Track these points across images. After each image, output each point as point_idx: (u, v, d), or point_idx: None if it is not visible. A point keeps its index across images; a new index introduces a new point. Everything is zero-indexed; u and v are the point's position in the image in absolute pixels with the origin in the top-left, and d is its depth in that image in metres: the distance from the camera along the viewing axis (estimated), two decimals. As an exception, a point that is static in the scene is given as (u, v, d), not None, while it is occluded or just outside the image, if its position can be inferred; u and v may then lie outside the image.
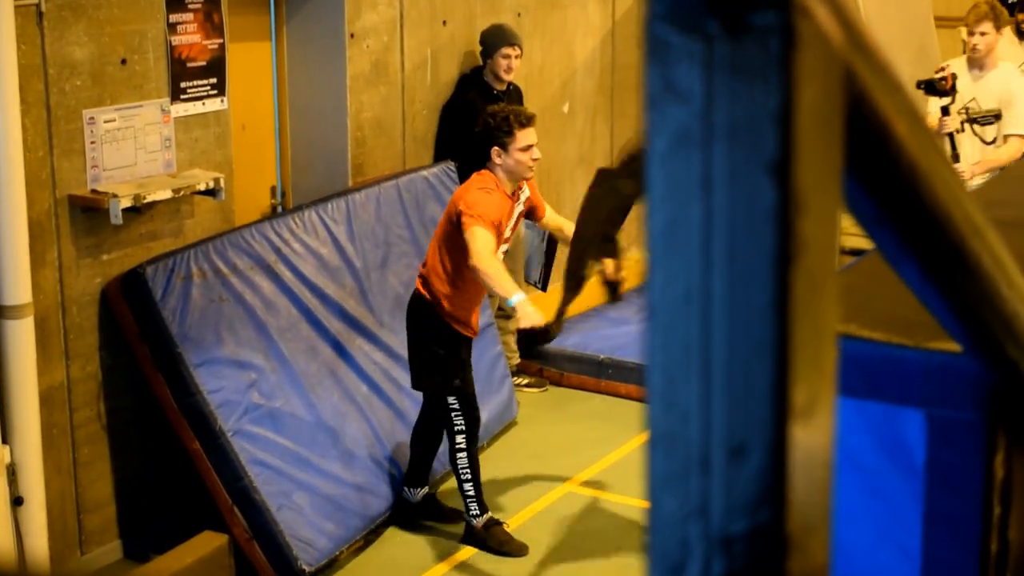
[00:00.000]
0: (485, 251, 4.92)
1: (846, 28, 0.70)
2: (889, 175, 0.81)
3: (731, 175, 0.64)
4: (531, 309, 4.82)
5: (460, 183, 6.49)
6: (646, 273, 0.66)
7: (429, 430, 5.49)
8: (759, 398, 0.62)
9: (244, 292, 5.27)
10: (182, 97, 5.39)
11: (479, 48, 6.79)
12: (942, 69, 6.82)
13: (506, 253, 5.39)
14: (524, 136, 5.15)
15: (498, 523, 5.39)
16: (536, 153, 5.22)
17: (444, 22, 6.77)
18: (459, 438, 5.25)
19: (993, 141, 6.87)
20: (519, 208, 5.29)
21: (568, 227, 5.43)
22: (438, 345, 5.22)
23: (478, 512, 5.33)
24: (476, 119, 6.62)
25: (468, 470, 5.28)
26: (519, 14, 7.26)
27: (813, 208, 0.64)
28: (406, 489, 5.52)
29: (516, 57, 6.67)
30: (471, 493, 5.30)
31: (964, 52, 7.25)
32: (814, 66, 0.65)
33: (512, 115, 5.17)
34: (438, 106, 6.76)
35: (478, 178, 5.17)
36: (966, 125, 6.79)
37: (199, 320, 5.04)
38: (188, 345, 4.97)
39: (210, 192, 5.35)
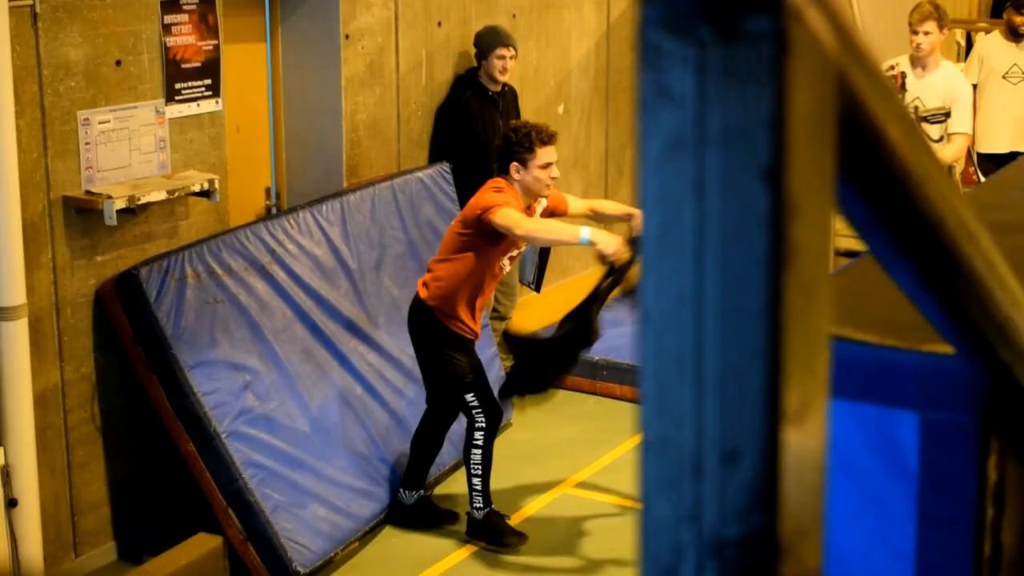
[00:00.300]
0: (521, 219, 4.91)
1: (839, 33, 0.70)
2: (882, 180, 0.81)
3: (724, 180, 0.64)
4: (604, 235, 4.81)
5: (455, 184, 6.50)
6: (639, 278, 0.66)
7: (430, 434, 5.49)
8: (751, 403, 0.62)
9: (239, 293, 5.27)
10: (177, 98, 5.38)
11: (473, 50, 6.79)
12: (892, 68, 6.85)
13: (512, 259, 5.39)
14: (545, 154, 5.12)
15: (499, 516, 5.41)
16: (555, 171, 5.19)
17: (439, 23, 6.78)
18: (478, 434, 5.27)
19: (939, 139, 6.91)
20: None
21: (598, 204, 5.48)
22: (443, 345, 5.24)
23: (481, 505, 5.35)
24: (471, 120, 6.63)
25: (480, 466, 5.31)
26: (514, 15, 7.26)
27: (806, 213, 0.64)
28: (402, 491, 5.53)
29: (511, 58, 6.68)
30: (478, 487, 5.33)
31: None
32: (807, 72, 0.65)
33: (534, 132, 5.13)
34: (433, 107, 6.76)
35: (493, 183, 5.17)
36: None
37: (193, 321, 5.04)
38: (182, 347, 4.97)
39: (204, 193, 5.34)
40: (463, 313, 5.21)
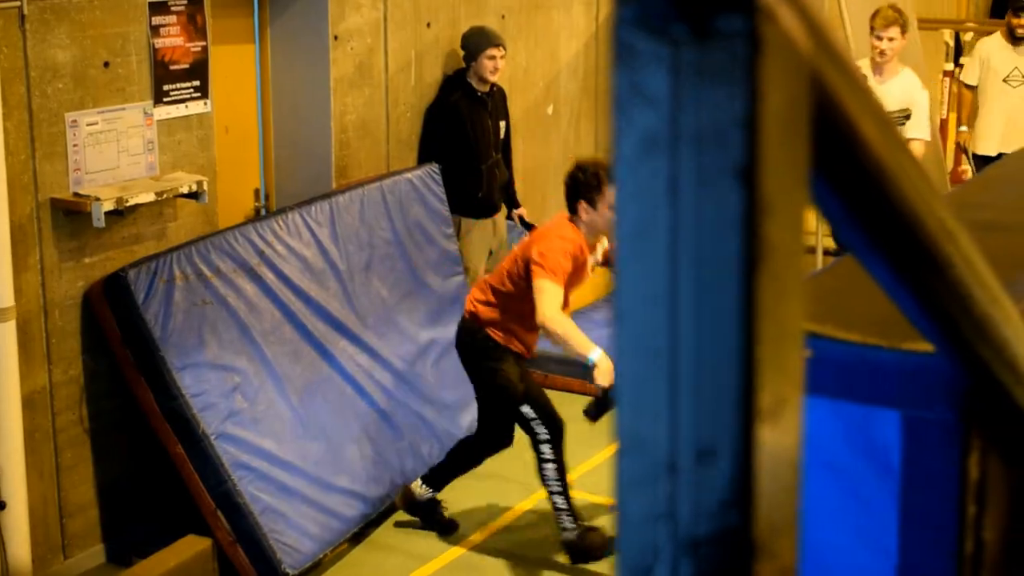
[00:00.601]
0: (553, 310, 4.75)
1: (812, 33, 0.70)
2: (858, 178, 0.81)
3: (698, 179, 0.64)
4: (609, 366, 4.64)
5: (444, 185, 6.49)
6: (615, 277, 0.66)
7: (473, 452, 5.39)
8: (726, 401, 0.62)
9: (227, 295, 5.26)
10: (165, 100, 5.38)
11: (463, 51, 6.78)
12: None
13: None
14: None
15: (592, 529, 5.24)
16: None
17: (428, 24, 6.78)
18: (544, 448, 5.11)
19: None
20: (592, 260, 5.12)
21: None
22: (492, 359, 5.12)
23: (572, 524, 5.17)
24: (460, 121, 6.63)
25: (557, 482, 5.14)
26: (503, 16, 7.26)
27: (779, 212, 0.65)
28: (420, 483, 5.46)
29: (501, 58, 6.68)
30: (562, 506, 5.16)
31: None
32: (780, 70, 0.66)
33: (602, 170, 4.97)
34: (422, 108, 6.76)
35: (560, 226, 5.00)
36: None
37: (182, 323, 5.03)
38: (171, 348, 4.96)
39: (193, 195, 5.34)
40: (519, 332, 5.08)
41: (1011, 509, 1.29)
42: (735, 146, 0.64)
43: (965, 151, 8.63)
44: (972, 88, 8.42)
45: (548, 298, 4.77)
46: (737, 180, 0.64)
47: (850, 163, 0.79)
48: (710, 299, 0.63)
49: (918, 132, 6.90)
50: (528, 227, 6.76)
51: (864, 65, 6.95)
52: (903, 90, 6.89)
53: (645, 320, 0.65)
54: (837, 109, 0.75)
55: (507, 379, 5.11)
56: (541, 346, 7.09)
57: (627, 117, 0.67)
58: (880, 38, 6.84)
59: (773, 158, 0.65)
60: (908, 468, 1.21)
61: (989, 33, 8.90)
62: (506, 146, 6.91)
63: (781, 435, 0.64)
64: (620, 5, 0.68)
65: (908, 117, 6.83)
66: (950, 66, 10.47)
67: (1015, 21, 8.19)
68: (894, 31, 6.83)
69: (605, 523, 5.54)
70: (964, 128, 8.63)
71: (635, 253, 0.65)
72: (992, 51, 8.32)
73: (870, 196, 0.83)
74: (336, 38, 6.25)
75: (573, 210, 5.00)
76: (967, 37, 10.97)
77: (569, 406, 6.81)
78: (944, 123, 9.99)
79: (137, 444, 5.23)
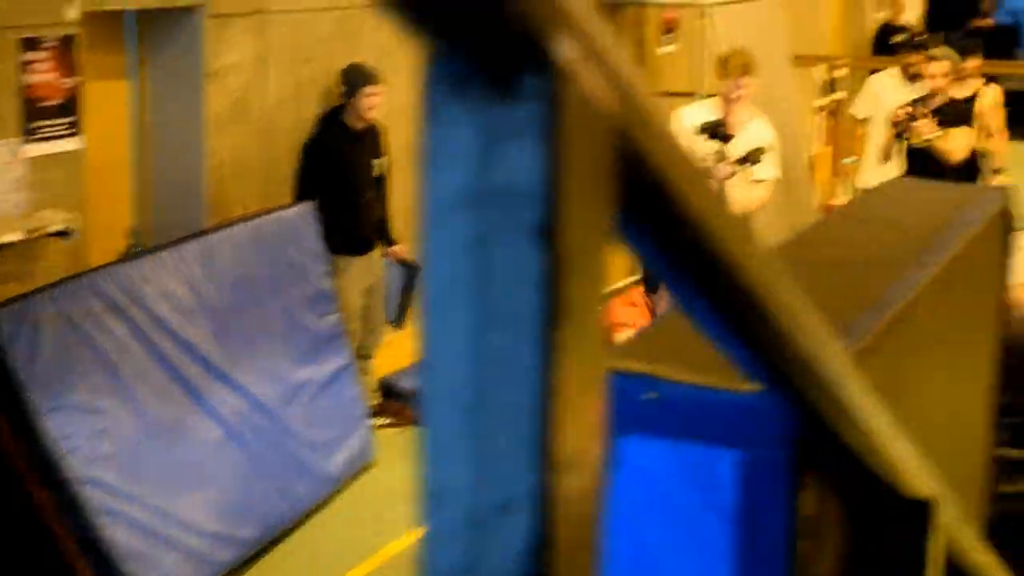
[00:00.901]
0: None
1: (618, 90, 0.72)
2: (671, 231, 0.84)
3: (501, 238, 0.66)
4: None
5: (321, 224, 6.46)
6: (421, 332, 0.67)
7: None
8: (526, 454, 0.64)
9: (97, 336, 5.15)
10: (35, 136, 5.27)
11: (341, 88, 6.77)
12: (719, 125, 7.00)
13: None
14: None
15: None
16: None
17: (307, 61, 6.76)
18: None
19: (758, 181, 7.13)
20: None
21: None
22: None
23: None
24: (337, 158, 6.62)
25: None
26: (382, 53, 7.28)
27: (580, 269, 0.67)
28: None
29: (378, 96, 6.69)
30: None
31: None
32: (581, 130, 0.68)
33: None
34: (299, 145, 6.73)
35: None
36: (736, 169, 6.97)
37: (49, 365, 4.91)
38: (37, 391, 4.83)
39: (63, 234, 5.23)
40: None
41: (846, 544, 1.33)
42: (536, 205, 0.65)
43: (844, 180, 8.90)
44: (861, 122, 8.70)
45: None
46: (538, 238, 0.65)
47: (662, 217, 0.81)
48: (512, 354, 0.65)
49: (767, 172, 7.09)
50: (406, 265, 6.75)
51: (714, 107, 7.10)
52: (756, 131, 7.09)
53: (450, 374, 0.66)
54: (646, 166, 0.77)
55: None
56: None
57: (434, 174, 0.68)
58: (734, 85, 7.01)
59: (574, 217, 0.67)
60: (743, 507, 1.24)
61: (877, 70, 9.23)
62: (381, 183, 6.90)
63: (580, 486, 0.65)
64: (427, 63, 0.70)
65: (757, 160, 6.99)
66: (824, 101, 10.79)
67: (910, 59, 8.48)
68: (748, 79, 7.02)
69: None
70: (850, 160, 8.91)
71: (442, 308, 0.67)
72: (886, 87, 8.60)
73: (685, 249, 0.85)
74: (213, 74, 6.20)
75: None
76: (839, 73, 11.30)
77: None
78: (816, 157, 10.27)
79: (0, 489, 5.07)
